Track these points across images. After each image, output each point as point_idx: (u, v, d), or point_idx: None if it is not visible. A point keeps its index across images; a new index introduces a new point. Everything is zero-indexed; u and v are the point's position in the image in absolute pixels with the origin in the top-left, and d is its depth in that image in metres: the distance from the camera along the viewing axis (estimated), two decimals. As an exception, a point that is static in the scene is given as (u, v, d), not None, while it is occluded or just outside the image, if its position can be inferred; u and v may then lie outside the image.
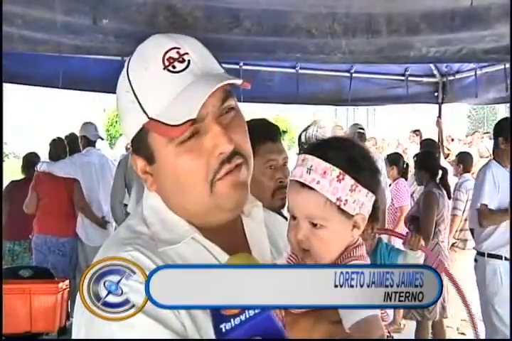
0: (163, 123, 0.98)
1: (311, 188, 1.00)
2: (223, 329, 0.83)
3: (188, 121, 0.97)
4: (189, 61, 1.01)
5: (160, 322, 0.92)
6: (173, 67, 1.00)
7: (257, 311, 0.82)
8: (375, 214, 1.05)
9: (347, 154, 1.02)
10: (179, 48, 1.02)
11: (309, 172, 1.00)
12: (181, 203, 1.06)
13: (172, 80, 1.00)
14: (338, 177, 0.99)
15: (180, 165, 1.01)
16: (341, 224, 1.02)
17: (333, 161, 1.00)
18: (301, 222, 1.02)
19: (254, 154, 1.98)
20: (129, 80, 1.03)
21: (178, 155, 1.01)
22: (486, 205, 4.04)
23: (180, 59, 1.01)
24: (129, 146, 9.70)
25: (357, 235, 1.04)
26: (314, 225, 1.01)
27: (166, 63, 1.00)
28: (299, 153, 1.06)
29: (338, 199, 0.99)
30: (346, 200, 1.00)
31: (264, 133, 2.05)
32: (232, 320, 0.83)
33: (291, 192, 1.04)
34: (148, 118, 1.01)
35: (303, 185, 1.01)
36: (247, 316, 0.82)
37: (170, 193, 1.06)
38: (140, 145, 1.05)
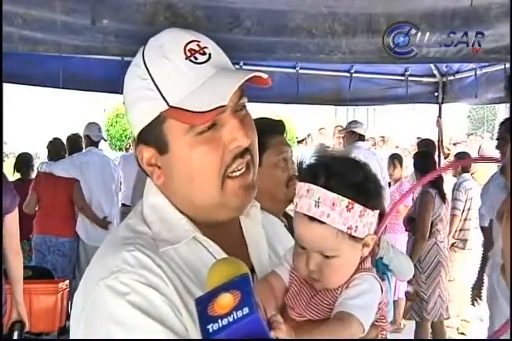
0: (188, 110, 0.98)
1: (321, 222, 0.97)
2: (210, 330, 0.81)
3: (218, 108, 0.97)
4: (210, 54, 1.02)
5: (162, 324, 0.91)
6: (195, 58, 1.01)
7: (245, 312, 0.81)
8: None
9: (351, 180, 0.99)
10: (199, 42, 1.03)
11: (317, 206, 0.97)
12: (189, 197, 1.05)
13: (195, 70, 1.00)
14: (347, 207, 0.97)
15: (195, 156, 1.01)
16: (352, 249, 1.01)
17: (340, 190, 0.97)
18: (311, 253, 1.00)
19: (268, 147, 2.04)
20: (146, 68, 1.02)
21: (195, 146, 1.01)
22: None
23: (201, 51, 1.02)
24: (128, 146, 9.69)
25: (367, 253, 1.04)
26: (326, 256, 1.00)
27: (188, 54, 1.01)
28: (300, 180, 1.02)
29: (348, 228, 0.98)
30: (356, 227, 0.98)
31: (274, 127, 2.15)
32: (219, 320, 0.81)
33: (300, 225, 1.01)
34: (169, 106, 1.00)
35: (312, 218, 0.98)
36: (235, 317, 0.81)
37: (178, 186, 1.05)
38: (153, 134, 1.04)
